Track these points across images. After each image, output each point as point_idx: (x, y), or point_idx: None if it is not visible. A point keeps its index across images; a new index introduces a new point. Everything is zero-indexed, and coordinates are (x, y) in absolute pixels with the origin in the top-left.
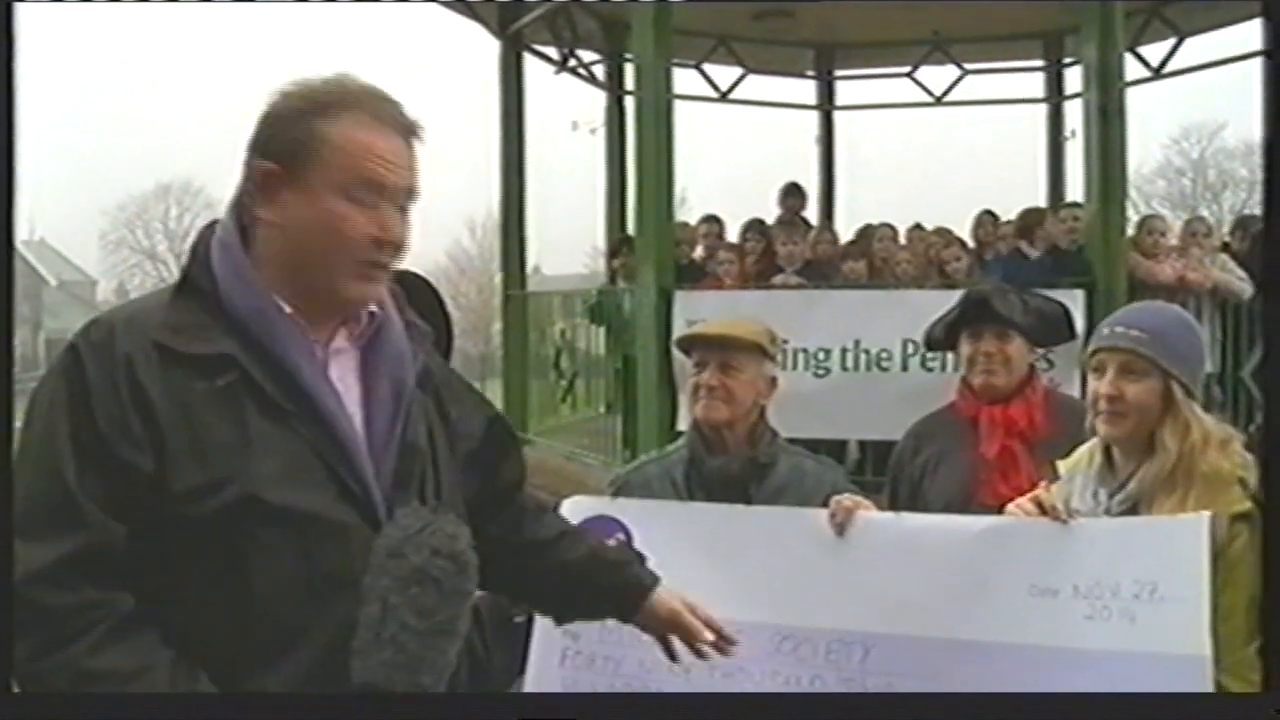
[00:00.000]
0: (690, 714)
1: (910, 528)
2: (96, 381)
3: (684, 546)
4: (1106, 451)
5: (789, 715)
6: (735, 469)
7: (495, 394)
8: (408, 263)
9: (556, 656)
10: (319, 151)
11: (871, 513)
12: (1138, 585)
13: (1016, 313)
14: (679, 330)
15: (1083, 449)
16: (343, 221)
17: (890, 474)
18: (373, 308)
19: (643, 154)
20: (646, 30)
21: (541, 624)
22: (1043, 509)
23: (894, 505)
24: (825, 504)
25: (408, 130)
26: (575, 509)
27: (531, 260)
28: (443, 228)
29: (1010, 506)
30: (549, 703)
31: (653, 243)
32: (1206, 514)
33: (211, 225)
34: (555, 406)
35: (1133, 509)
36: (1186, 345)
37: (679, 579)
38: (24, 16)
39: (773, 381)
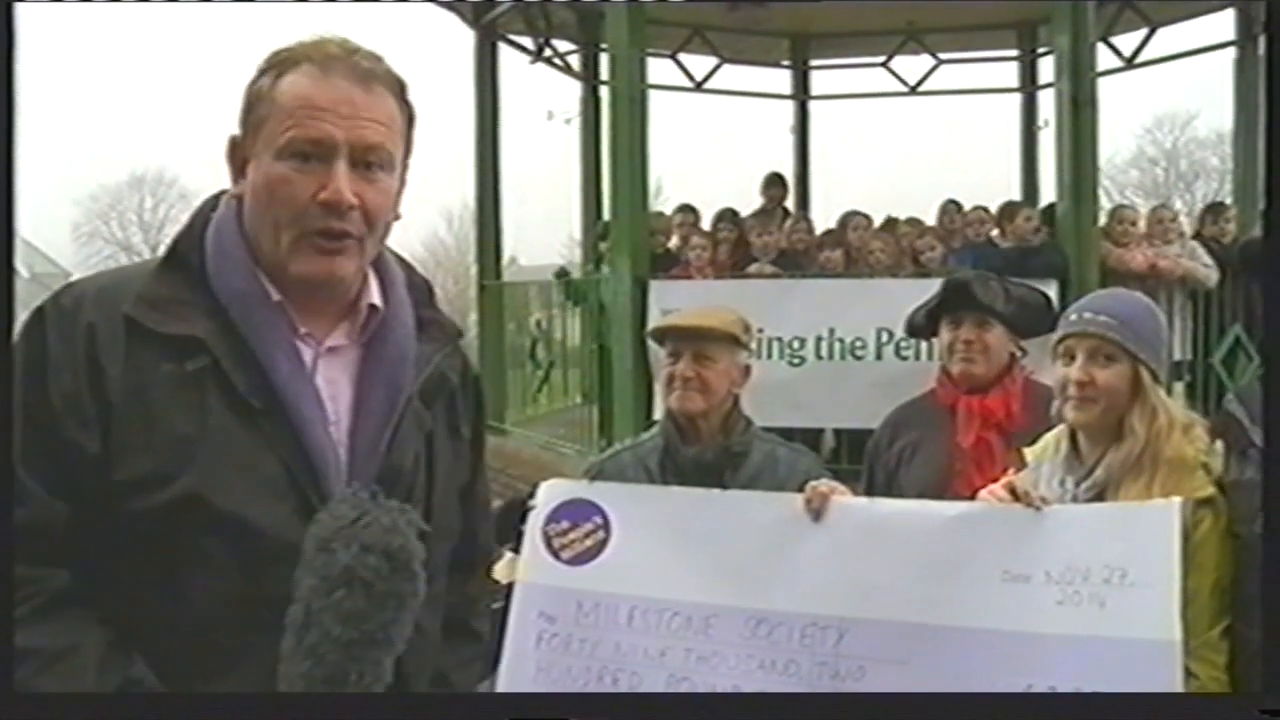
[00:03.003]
0: (689, 714)
1: (884, 513)
2: (56, 351)
3: (660, 530)
4: (1072, 438)
5: (788, 715)
6: (710, 457)
7: None
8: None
9: (532, 639)
10: (265, 112)
11: (847, 498)
12: (1108, 570)
13: (998, 301)
14: (654, 319)
15: (1048, 436)
16: (281, 185)
17: (867, 461)
18: (375, 300)
19: (617, 143)
20: (620, 20)
21: (516, 605)
22: (1015, 495)
23: (870, 493)
24: (800, 489)
25: (365, 78)
26: (552, 492)
27: (508, 251)
28: (419, 219)
29: (983, 493)
30: (547, 703)
31: (627, 232)
32: (1177, 500)
33: (217, 197)
34: (532, 397)
35: (1099, 495)
36: (1152, 331)
37: (655, 563)
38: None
39: (746, 370)
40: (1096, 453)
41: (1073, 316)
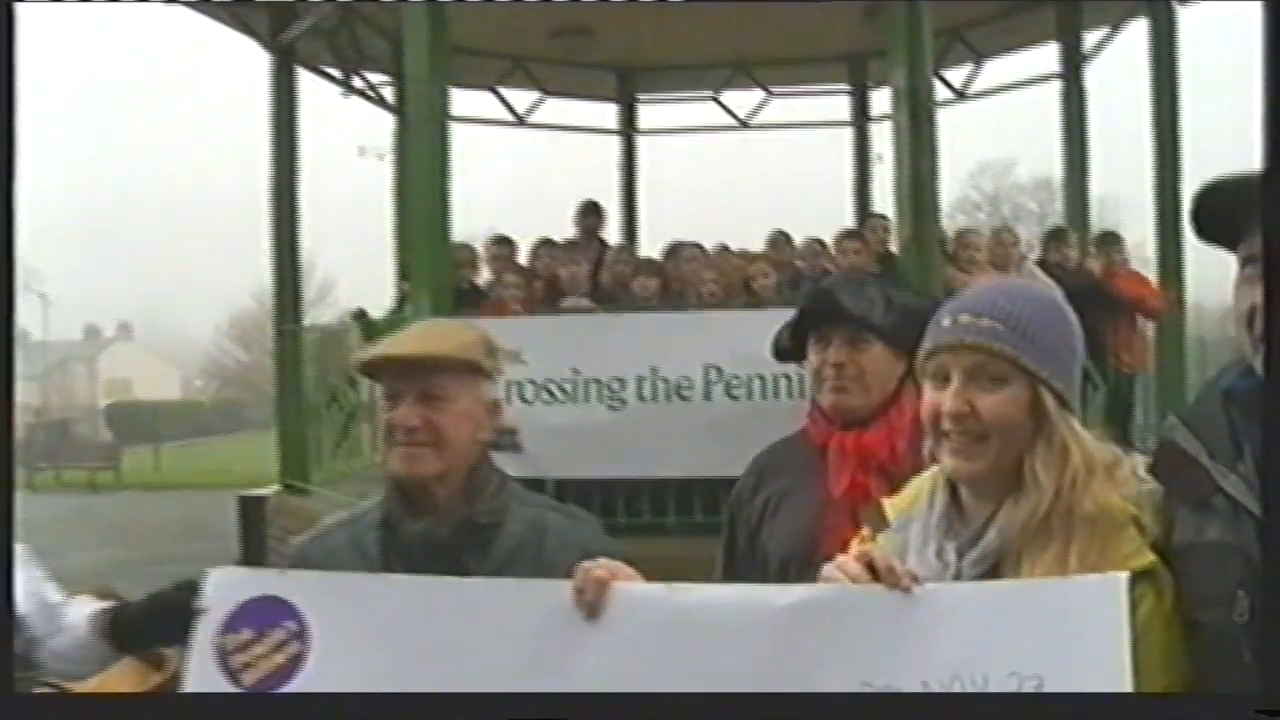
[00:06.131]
0: (689, 714)
1: (690, 604)
2: None
3: (378, 638)
4: (952, 487)
5: (789, 715)
6: (445, 535)
7: (271, 440)
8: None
9: None
10: None
11: (633, 585)
12: (1016, 679)
13: (875, 311)
14: None
15: (918, 481)
16: None
17: (727, 516)
18: None
19: (416, 174)
20: (420, 42)
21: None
22: (874, 571)
23: (729, 556)
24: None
25: None
26: (228, 586)
27: (341, 294)
28: (248, 265)
29: (828, 569)
30: (547, 703)
31: (428, 267)
32: (1122, 575)
33: None
34: (331, 452)
35: (993, 570)
36: (1058, 335)
37: (371, 684)
38: None
39: (495, 407)
40: (986, 508)
41: (944, 321)
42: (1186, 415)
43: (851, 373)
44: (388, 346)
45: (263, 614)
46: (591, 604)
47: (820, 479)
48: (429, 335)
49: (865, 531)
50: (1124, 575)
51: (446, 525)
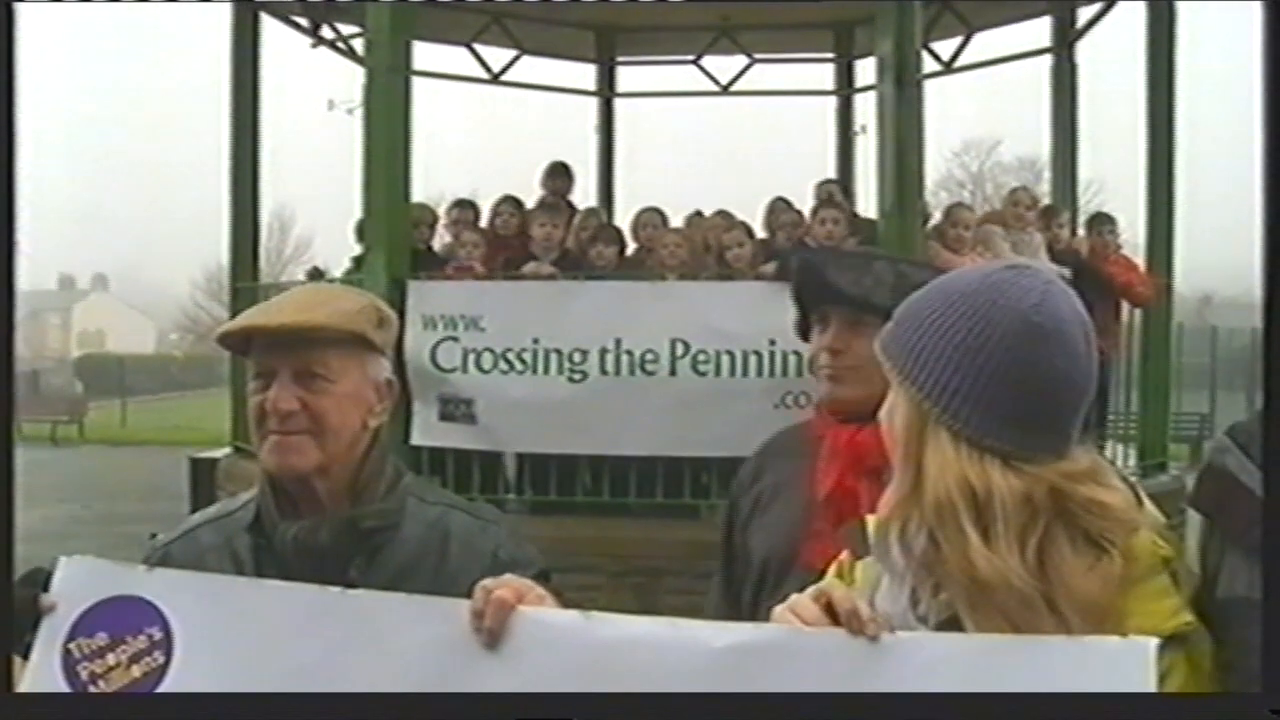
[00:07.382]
0: (693, 713)
1: (609, 638)
2: None
3: (250, 652)
4: None
5: (791, 715)
6: (324, 539)
7: (225, 402)
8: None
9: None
10: None
11: (544, 610)
12: None
13: (880, 292)
14: (415, 328)
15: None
16: None
17: (727, 502)
18: None
19: (375, 130)
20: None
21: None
22: (833, 612)
23: (726, 545)
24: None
25: None
26: (81, 580)
27: (320, 253)
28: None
29: (779, 610)
30: (548, 703)
31: (384, 226)
32: (1151, 641)
33: None
34: None
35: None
36: (931, 326)
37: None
38: None
39: (387, 387)
40: None
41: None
42: (1242, 435)
43: (848, 361)
44: (256, 315)
45: (122, 616)
46: (491, 630)
47: (813, 477)
48: (308, 303)
49: (844, 556)
50: (1152, 641)
51: (326, 528)
